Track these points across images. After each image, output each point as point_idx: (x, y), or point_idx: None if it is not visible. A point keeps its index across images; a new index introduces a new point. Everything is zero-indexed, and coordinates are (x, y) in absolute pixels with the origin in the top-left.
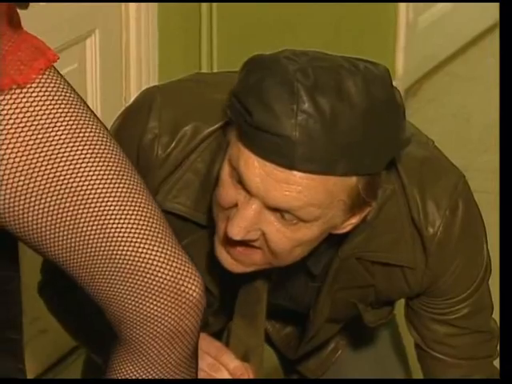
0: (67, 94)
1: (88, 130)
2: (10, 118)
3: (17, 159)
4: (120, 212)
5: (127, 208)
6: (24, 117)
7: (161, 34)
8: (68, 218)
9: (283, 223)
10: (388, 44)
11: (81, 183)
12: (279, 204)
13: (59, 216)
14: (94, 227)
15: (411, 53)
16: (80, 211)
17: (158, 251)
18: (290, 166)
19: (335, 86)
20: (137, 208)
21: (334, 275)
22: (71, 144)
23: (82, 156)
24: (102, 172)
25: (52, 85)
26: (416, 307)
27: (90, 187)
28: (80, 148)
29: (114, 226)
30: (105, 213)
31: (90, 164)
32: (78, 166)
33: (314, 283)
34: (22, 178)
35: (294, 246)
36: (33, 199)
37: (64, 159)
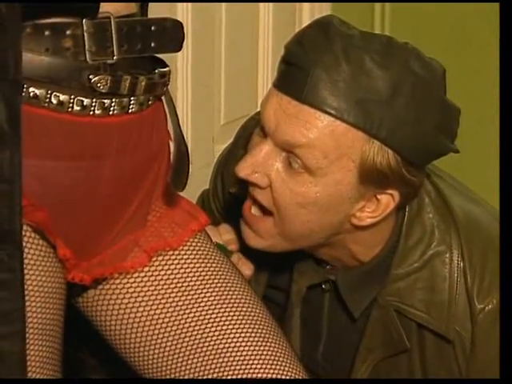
0: (217, 258)
1: (236, 292)
2: (162, 279)
3: (166, 319)
4: (265, 375)
5: (271, 371)
6: (175, 278)
7: None
8: (211, 378)
9: (289, 173)
10: None
11: (227, 345)
12: (286, 137)
13: (203, 376)
14: None
15: None
16: (225, 373)
17: None
18: (301, 99)
19: (378, 50)
20: (281, 371)
21: (373, 323)
22: (219, 306)
23: (229, 318)
24: (247, 334)
25: (203, 248)
26: None
27: (235, 349)
28: (227, 310)
29: None
30: (249, 376)
31: (236, 326)
32: (224, 327)
33: (355, 331)
34: (171, 338)
35: (298, 203)
36: (180, 359)
37: (211, 321)
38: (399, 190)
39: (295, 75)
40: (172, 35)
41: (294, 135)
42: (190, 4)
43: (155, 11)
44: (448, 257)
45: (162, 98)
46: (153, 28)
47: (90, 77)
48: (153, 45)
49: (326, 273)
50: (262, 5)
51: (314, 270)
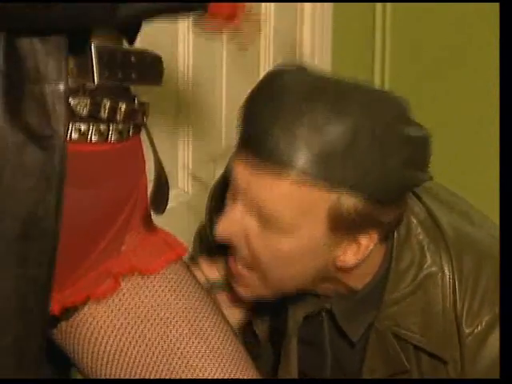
0: (189, 288)
1: (206, 324)
2: (132, 309)
3: (134, 352)
4: None
5: None
6: (145, 307)
7: (334, 33)
8: None
9: (263, 230)
10: None
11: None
12: (255, 195)
13: None
14: None
15: None
16: None
17: None
18: (265, 157)
19: (330, 100)
20: None
21: (372, 346)
22: (187, 338)
23: (197, 351)
24: (214, 369)
25: (175, 278)
26: None
27: None
28: (196, 343)
29: None
30: None
31: (203, 360)
32: (191, 361)
33: (356, 353)
34: (139, 371)
35: (277, 257)
36: None
37: (179, 354)
38: (375, 229)
39: (256, 135)
40: (151, 68)
41: (263, 193)
42: None
43: None
44: (440, 277)
45: (141, 130)
46: (132, 59)
47: (69, 99)
48: (133, 76)
49: (320, 302)
50: (262, 5)
51: (309, 301)
